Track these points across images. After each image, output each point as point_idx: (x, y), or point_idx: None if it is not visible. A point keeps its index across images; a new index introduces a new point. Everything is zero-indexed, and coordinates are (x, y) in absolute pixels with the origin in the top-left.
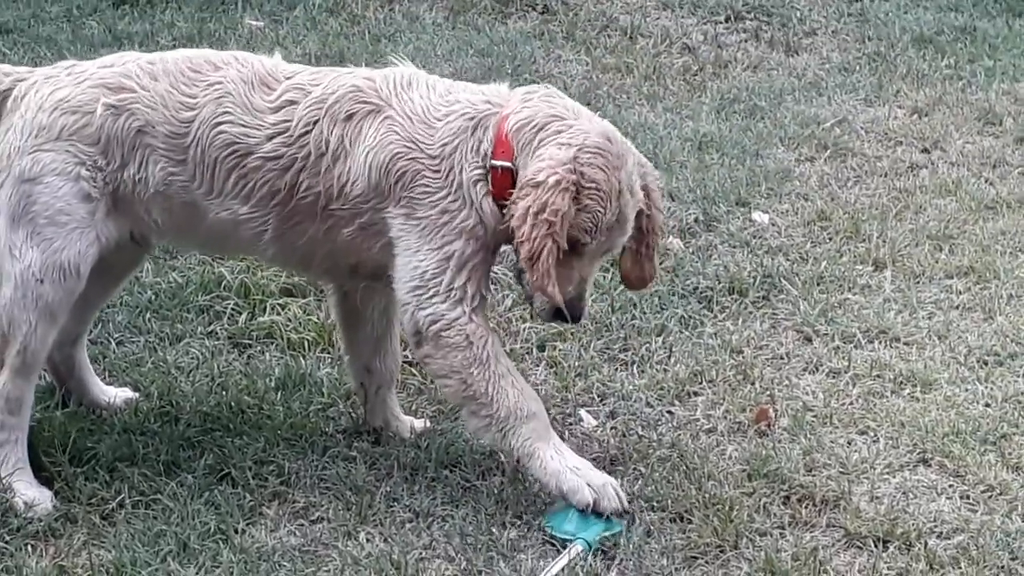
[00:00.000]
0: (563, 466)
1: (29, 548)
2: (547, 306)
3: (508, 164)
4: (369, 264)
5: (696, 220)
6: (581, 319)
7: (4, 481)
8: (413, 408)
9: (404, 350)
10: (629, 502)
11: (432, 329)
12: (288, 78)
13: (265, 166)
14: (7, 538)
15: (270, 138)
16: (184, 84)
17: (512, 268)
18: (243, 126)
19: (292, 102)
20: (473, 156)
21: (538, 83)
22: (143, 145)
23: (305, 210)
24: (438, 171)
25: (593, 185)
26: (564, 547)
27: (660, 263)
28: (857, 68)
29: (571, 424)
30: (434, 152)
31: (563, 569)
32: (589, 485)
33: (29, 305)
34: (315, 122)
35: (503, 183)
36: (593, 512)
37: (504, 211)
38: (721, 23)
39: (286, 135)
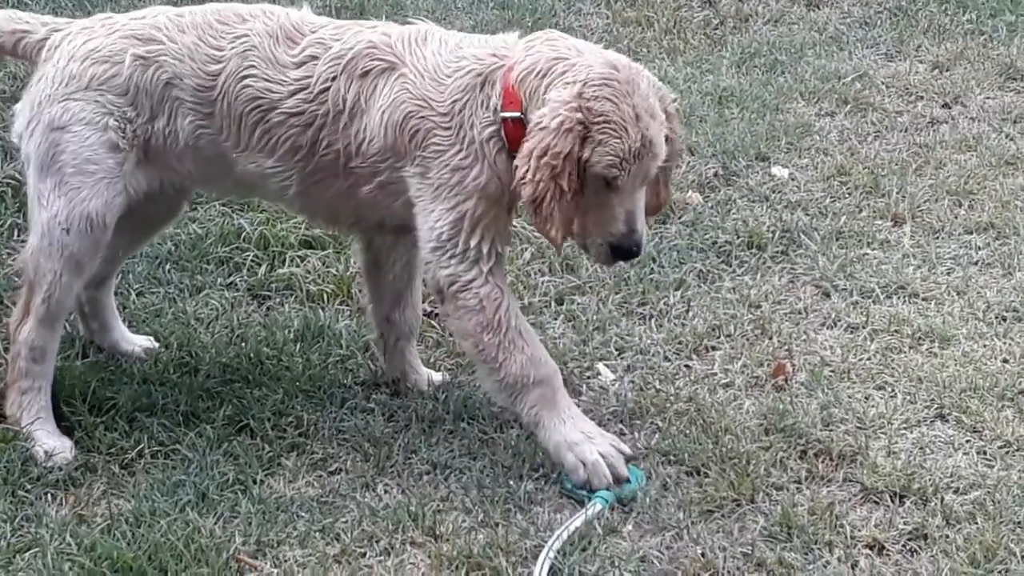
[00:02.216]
0: (563, 439)
1: (49, 497)
2: (603, 249)
3: (518, 115)
4: (394, 220)
5: (715, 174)
6: (640, 250)
7: (25, 430)
8: (432, 361)
9: (424, 303)
10: (643, 457)
11: (451, 290)
12: (313, 32)
13: (288, 122)
14: (27, 487)
15: (292, 94)
16: (211, 37)
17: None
18: (267, 80)
19: (313, 57)
20: (483, 112)
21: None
22: (171, 98)
23: (327, 167)
24: (449, 128)
25: (602, 118)
26: (582, 503)
27: (679, 217)
28: (878, 22)
29: (589, 378)
30: (444, 109)
31: (581, 524)
32: (583, 462)
33: (55, 254)
34: (333, 79)
35: (516, 135)
36: (588, 488)
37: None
38: None
39: (307, 91)
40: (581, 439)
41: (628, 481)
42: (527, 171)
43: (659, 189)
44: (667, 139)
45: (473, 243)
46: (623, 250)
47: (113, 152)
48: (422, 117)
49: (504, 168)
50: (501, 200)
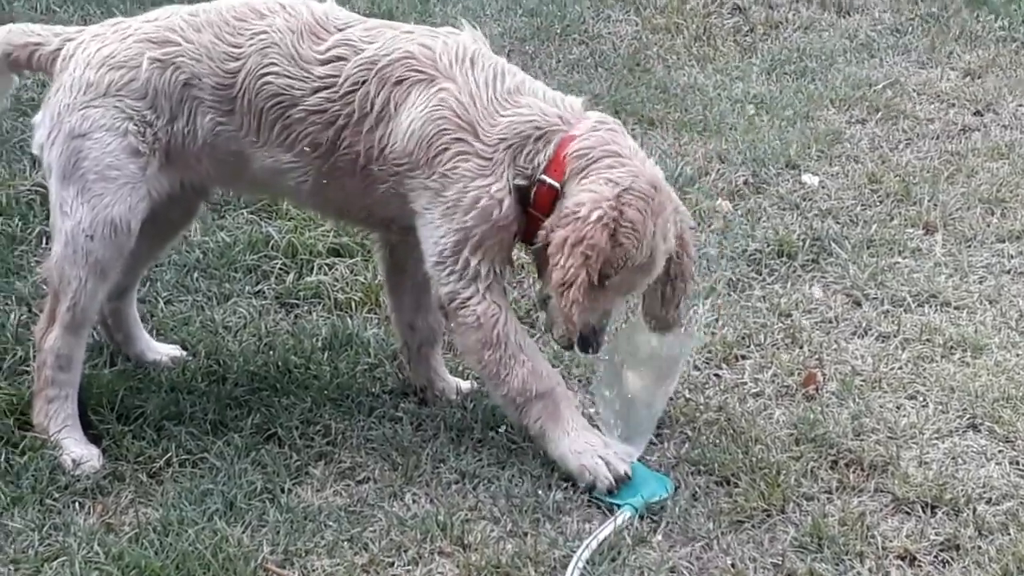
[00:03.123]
0: (567, 449)
1: (77, 505)
2: (567, 335)
3: (556, 184)
4: (403, 221)
5: (745, 182)
6: (599, 350)
7: (53, 438)
8: (459, 369)
9: None
10: (673, 466)
11: (451, 306)
12: (340, 30)
13: (309, 118)
14: (55, 495)
15: (315, 91)
16: (228, 34)
17: (537, 294)
18: (289, 77)
19: (341, 58)
20: (526, 162)
21: (607, 115)
22: (190, 98)
23: (345, 166)
24: (487, 160)
25: (630, 225)
26: (611, 512)
27: (709, 225)
28: (909, 29)
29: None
30: (489, 142)
31: (610, 534)
32: (586, 468)
33: (79, 261)
34: (363, 82)
35: (545, 199)
36: (591, 492)
37: (533, 224)
38: None
39: (331, 90)
40: (585, 448)
41: (628, 479)
42: (560, 257)
43: (669, 308)
44: (677, 261)
45: (473, 263)
46: (585, 342)
47: (134, 157)
48: (459, 139)
49: (519, 213)
50: (507, 232)
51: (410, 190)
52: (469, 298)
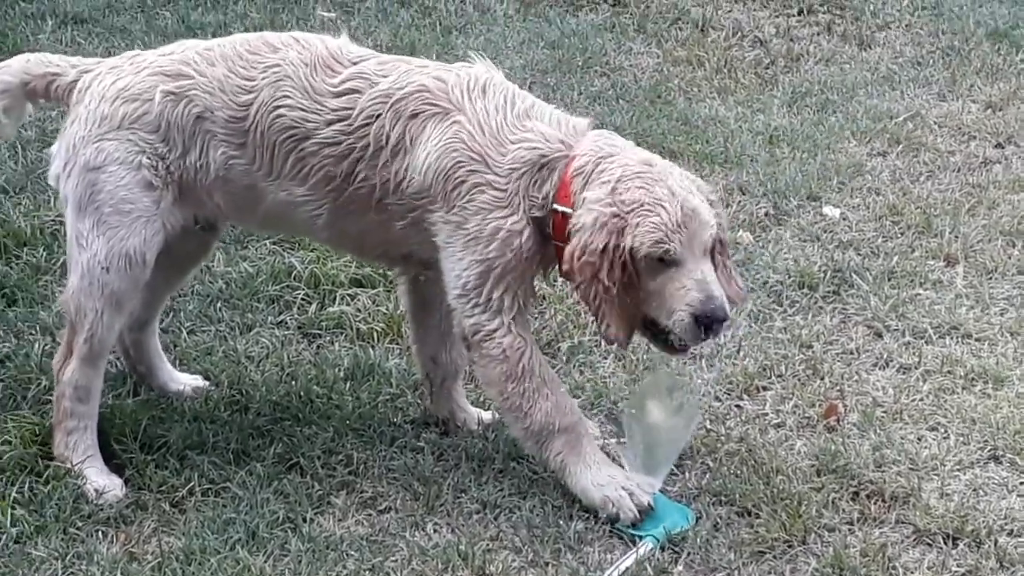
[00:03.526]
0: (589, 482)
1: (100, 534)
2: (685, 324)
3: (568, 210)
4: (421, 255)
5: (766, 214)
6: (726, 315)
7: (75, 468)
8: (480, 400)
9: None
10: (694, 497)
11: (475, 339)
12: (354, 63)
13: (322, 151)
14: (79, 524)
15: (329, 124)
16: (242, 67)
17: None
18: (302, 110)
19: (355, 91)
20: (536, 192)
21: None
22: (203, 131)
23: (360, 200)
24: (502, 191)
25: (635, 203)
26: (633, 543)
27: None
28: (930, 62)
29: (640, 419)
30: (502, 172)
31: (632, 564)
32: (609, 500)
33: (95, 293)
34: (377, 116)
35: (562, 227)
36: (613, 523)
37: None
38: (793, 16)
39: (345, 123)
40: (607, 480)
41: (651, 510)
42: (575, 276)
43: (730, 278)
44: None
45: (496, 295)
46: (706, 318)
47: (148, 190)
48: (473, 171)
49: (540, 244)
50: (531, 264)
51: (431, 224)
52: (494, 331)
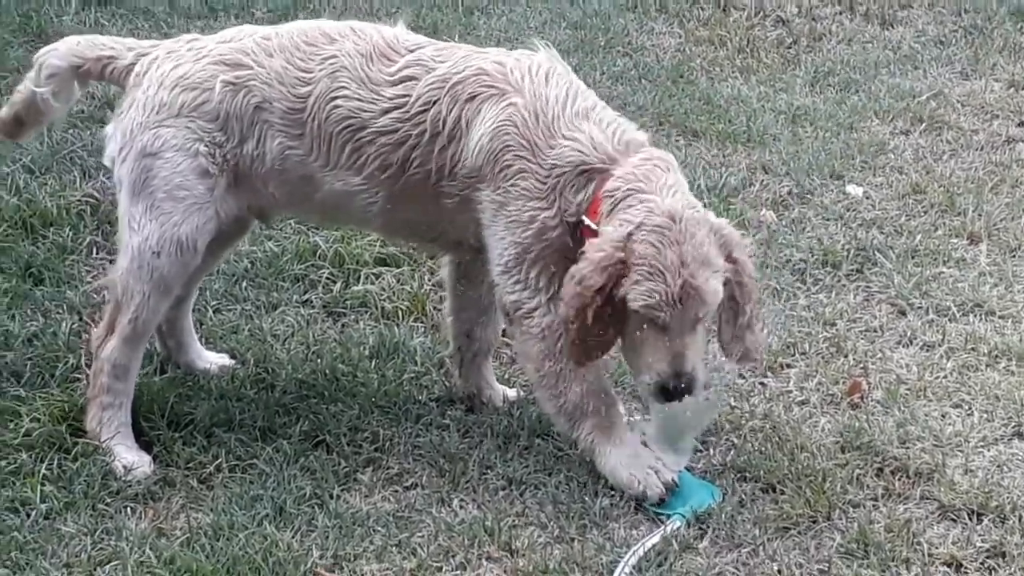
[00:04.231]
0: (617, 462)
1: (129, 510)
2: (652, 384)
3: (594, 226)
4: (472, 241)
5: (789, 193)
6: (691, 391)
7: (105, 445)
8: (506, 377)
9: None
10: (719, 474)
11: (517, 315)
12: (411, 51)
13: (378, 140)
14: (107, 500)
15: (385, 112)
16: (300, 59)
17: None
18: (359, 100)
19: (412, 78)
20: (571, 195)
21: (658, 149)
22: (261, 121)
23: (415, 186)
24: (544, 183)
25: (643, 260)
26: (660, 521)
27: (753, 235)
28: (953, 41)
29: None
30: (546, 165)
31: (658, 541)
32: (635, 478)
33: (144, 276)
34: (434, 101)
35: (588, 238)
36: (640, 503)
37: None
38: None
39: (402, 110)
40: (634, 460)
41: (676, 486)
42: (565, 292)
43: (744, 335)
44: (737, 283)
45: (533, 274)
46: (666, 390)
47: (204, 178)
48: (521, 156)
49: (572, 242)
50: (563, 255)
51: (478, 204)
52: (534, 309)
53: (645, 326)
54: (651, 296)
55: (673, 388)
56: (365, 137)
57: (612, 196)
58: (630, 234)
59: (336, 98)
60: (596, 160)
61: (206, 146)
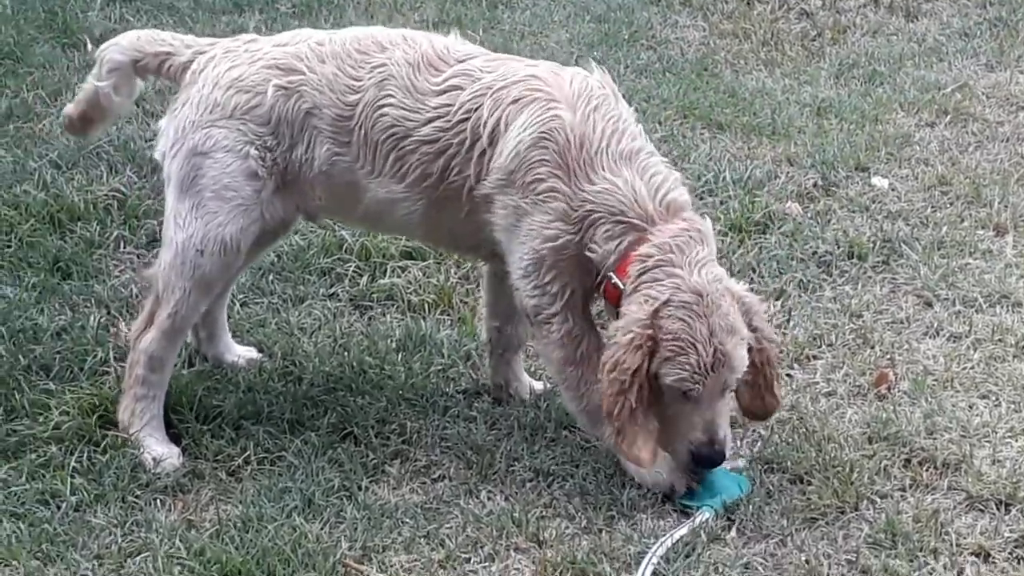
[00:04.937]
0: None
1: (158, 502)
2: (683, 458)
3: (620, 285)
4: (498, 243)
5: (815, 185)
6: (722, 459)
7: (135, 436)
8: (533, 370)
9: None
10: (747, 465)
11: (537, 319)
12: (460, 61)
13: (420, 148)
14: (137, 492)
15: (429, 121)
16: (350, 67)
17: None
18: (404, 109)
19: (458, 87)
20: (599, 238)
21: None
22: (311, 127)
23: (453, 193)
24: (575, 211)
25: (671, 336)
26: (688, 514)
27: (779, 227)
28: (978, 33)
29: None
30: (581, 197)
31: (687, 532)
32: (659, 474)
33: (186, 273)
34: (477, 108)
35: (612, 295)
36: (669, 496)
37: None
38: None
39: (444, 119)
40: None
41: (703, 477)
42: (604, 387)
43: (764, 395)
44: (758, 348)
45: (548, 279)
46: (703, 458)
47: (252, 180)
48: (556, 175)
49: (591, 266)
50: (579, 264)
51: (500, 207)
52: (554, 315)
53: (675, 398)
54: (685, 369)
55: (706, 456)
56: (408, 146)
57: (644, 263)
58: (656, 311)
59: (383, 107)
60: (634, 216)
61: (256, 149)
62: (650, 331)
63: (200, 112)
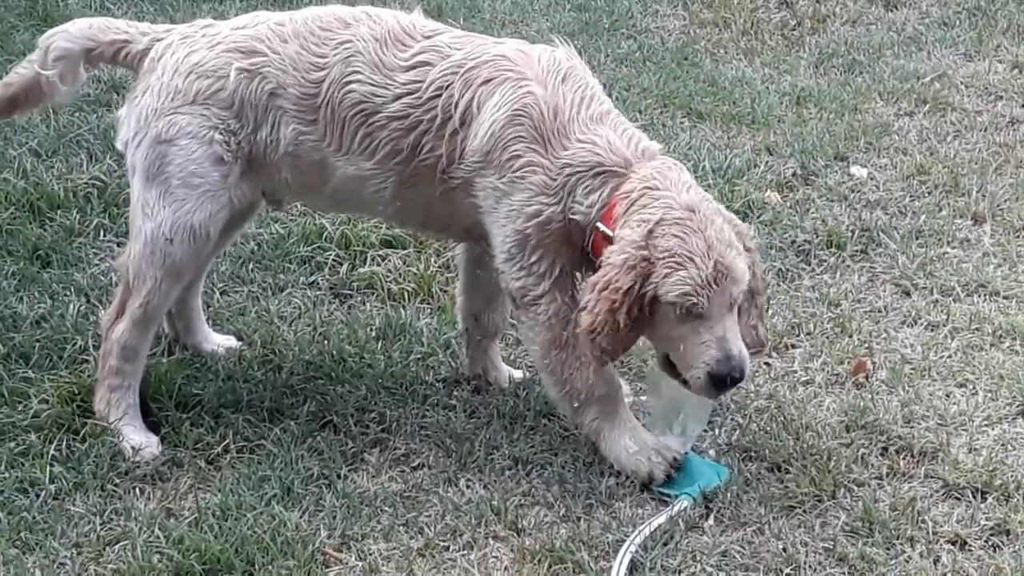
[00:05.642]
0: (622, 448)
1: (137, 491)
2: (702, 381)
3: (608, 232)
4: (480, 228)
5: (794, 174)
6: (743, 375)
7: (113, 426)
8: (512, 358)
9: None
10: (724, 453)
11: (523, 301)
12: (427, 37)
13: (390, 125)
14: (116, 481)
15: (398, 97)
16: (314, 44)
17: (660, 361)
18: (372, 85)
19: (427, 63)
20: (582, 197)
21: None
22: (275, 107)
23: (425, 172)
24: (552, 181)
25: (667, 252)
26: (667, 502)
27: (758, 216)
28: (957, 22)
29: None
30: (558, 165)
31: (665, 521)
32: (640, 462)
33: (157, 262)
34: (447, 86)
35: (600, 247)
36: (647, 484)
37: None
38: None
39: (414, 96)
40: (640, 445)
41: (681, 464)
42: (588, 301)
43: (756, 324)
44: (752, 273)
45: (534, 259)
46: (722, 377)
47: (218, 165)
48: (532, 149)
49: (576, 242)
50: (571, 242)
51: (479, 189)
52: (540, 296)
53: (683, 319)
54: (685, 283)
55: (726, 374)
56: (377, 122)
57: (628, 197)
58: (650, 231)
59: (350, 83)
60: (613, 163)
61: (221, 133)
62: (644, 251)
63: (161, 100)
